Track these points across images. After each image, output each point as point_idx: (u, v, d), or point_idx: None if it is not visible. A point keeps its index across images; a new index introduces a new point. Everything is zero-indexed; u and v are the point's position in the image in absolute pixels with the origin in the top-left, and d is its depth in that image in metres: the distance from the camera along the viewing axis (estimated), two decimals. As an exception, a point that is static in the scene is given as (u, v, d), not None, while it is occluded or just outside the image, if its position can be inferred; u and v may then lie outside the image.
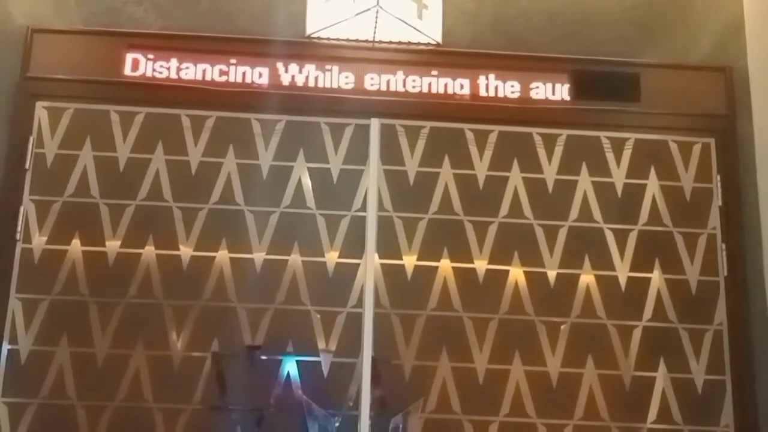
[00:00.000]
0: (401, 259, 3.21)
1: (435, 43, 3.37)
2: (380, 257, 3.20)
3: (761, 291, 3.21)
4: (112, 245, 3.14)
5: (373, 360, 3.14)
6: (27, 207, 3.09)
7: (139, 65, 3.31)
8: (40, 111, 3.23)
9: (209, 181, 3.23)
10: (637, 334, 3.20)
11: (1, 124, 3.18)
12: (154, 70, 3.31)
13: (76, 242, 3.11)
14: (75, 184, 3.17)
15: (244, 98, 3.31)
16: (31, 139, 3.16)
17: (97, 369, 3.01)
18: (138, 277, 3.13)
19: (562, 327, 3.19)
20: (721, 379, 3.18)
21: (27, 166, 3.16)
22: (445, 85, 3.38)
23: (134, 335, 3.07)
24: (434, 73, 3.38)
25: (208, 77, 3.32)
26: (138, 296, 3.11)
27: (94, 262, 3.09)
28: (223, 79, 3.33)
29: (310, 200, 3.26)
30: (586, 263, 3.25)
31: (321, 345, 3.12)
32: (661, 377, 3.17)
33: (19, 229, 3.09)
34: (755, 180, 3.29)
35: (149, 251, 3.15)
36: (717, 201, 3.33)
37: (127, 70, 3.30)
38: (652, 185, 3.34)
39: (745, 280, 3.26)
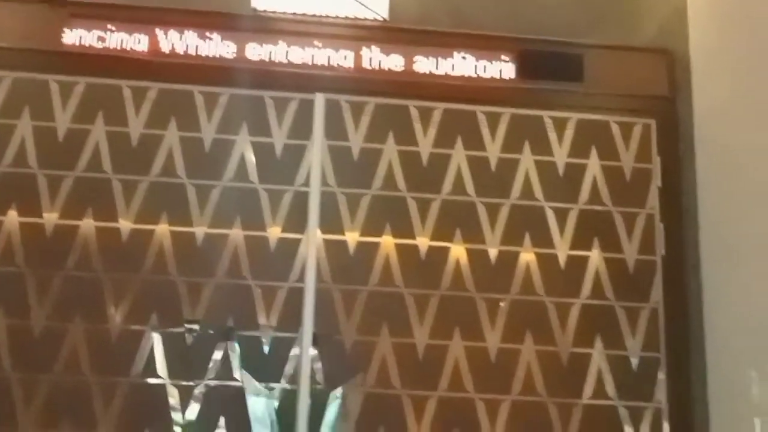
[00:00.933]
0: (344, 234, 3.26)
1: (382, 19, 3.41)
2: (323, 233, 3.22)
3: (697, 270, 3.31)
4: (50, 217, 3.14)
5: (314, 335, 3.27)
6: (-39, 178, 3.03)
7: (80, 35, 3.29)
8: (-23, 80, 3.15)
9: (150, 154, 3.24)
10: (575, 311, 3.29)
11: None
12: (94, 40, 3.30)
13: (12, 213, 3.11)
14: (12, 155, 3.16)
15: (188, 70, 3.32)
16: (-33, 107, 3.10)
17: (34, 341, 3.01)
18: (76, 250, 3.14)
19: (501, 304, 3.28)
20: (655, 356, 3.28)
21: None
22: (391, 62, 3.42)
23: (72, 308, 3.07)
24: (380, 49, 3.42)
25: (150, 48, 3.32)
26: (76, 269, 3.11)
27: (32, 233, 3.09)
28: (167, 50, 3.33)
29: (253, 174, 3.28)
30: (527, 241, 3.33)
31: (261, 320, 3.16)
32: (597, 354, 3.26)
33: (-48, 200, 3.03)
34: (693, 161, 3.38)
35: (88, 223, 3.15)
36: (656, 182, 3.43)
37: (67, 40, 3.28)
38: (593, 165, 3.43)
39: (681, 259, 3.36)
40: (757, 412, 2.94)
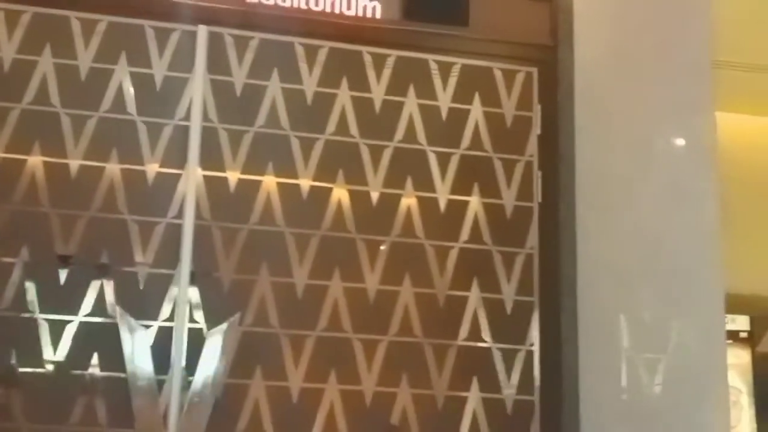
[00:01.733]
0: (224, 171, 3.28)
1: (270, -48, 3.32)
2: (203, 169, 3.25)
3: (572, 218, 3.46)
4: None
5: (192, 273, 3.33)
6: None
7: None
8: None
9: (22, 81, 3.17)
10: (453, 254, 3.41)
11: None
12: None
13: None
14: None
15: (65, -5, 3.15)
16: None
17: None
18: None
19: (381, 246, 3.39)
20: (529, 300, 3.46)
21: None
22: (278, -3, 3.33)
23: None
24: (267, -17, 3.33)
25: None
26: None
27: None
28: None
29: (132, 106, 3.26)
30: (408, 184, 3.43)
31: (138, 256, 3.16)
32: (473, 297, 3.42)
33: None
34: (573, 111, 3.51)
35: None
36: (536, 129, 3.57)
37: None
38: (476, 111, 3.54)
39: (557, 206, 3.51)
40: (624, 356, 3.16)
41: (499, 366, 3.40)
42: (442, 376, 3.35)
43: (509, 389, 3.40)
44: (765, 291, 3.02)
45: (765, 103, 3.17)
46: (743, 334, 2.95)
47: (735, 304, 2.83)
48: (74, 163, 3.19)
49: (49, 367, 3.06)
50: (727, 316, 2.83)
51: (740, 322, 2.96)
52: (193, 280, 3.20)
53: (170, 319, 3.16)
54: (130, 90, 3.28)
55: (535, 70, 3.61)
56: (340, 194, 3.40)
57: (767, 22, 3.03)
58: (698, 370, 2.79)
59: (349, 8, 3.51)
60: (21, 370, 3.04)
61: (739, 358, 2.99)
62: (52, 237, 3.13)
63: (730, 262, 2.82)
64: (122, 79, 3.29)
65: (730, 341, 2.85)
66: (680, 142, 3.02)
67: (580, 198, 3.45)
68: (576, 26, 3.54)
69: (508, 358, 3.42)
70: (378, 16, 3.51)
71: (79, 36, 3.28)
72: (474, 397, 3.37)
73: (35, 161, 3.15)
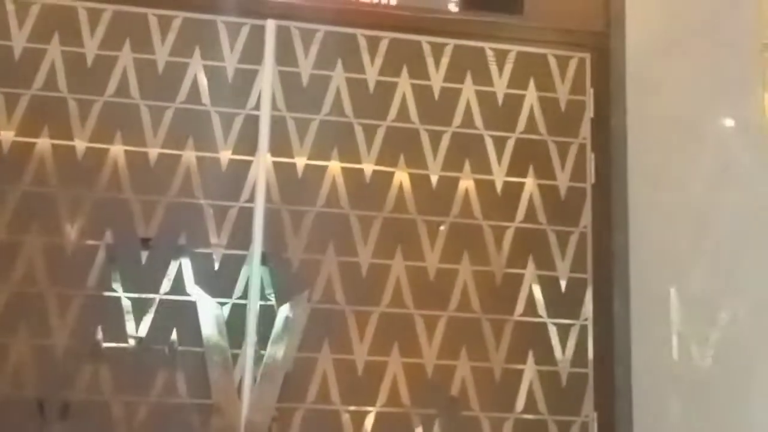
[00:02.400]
0: (293, 158, 3.33)
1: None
2: (273, 155, 3.30)
3: (624, 197, 3.44)
4: (6, 135, 3.18)
5: (263, 253, 3.36)
6: None
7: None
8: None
9: (104, 74, 3.25)
10: (509, 234, 3.43)
11: None
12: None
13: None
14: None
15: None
16: None
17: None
18: (32, 167, 3.18)
19: (441, 227, 3.42)
20: (583, 277, 3.46)
21: None
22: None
23: (28, 223, 3.15)
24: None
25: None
26: (32, 185, 3.18)
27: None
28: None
29: (206, 97, 3.33)
30: (467, 167, 3.45)
31: (213, 238, 3.25)
32: (529, 274, 3.43)
33: None
34: (624, 96, 3.47)
35: (44, 142, 3.19)
36: (589, 113, 3.55)
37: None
38: (531, 96, 3.53)
39: (609, 187, 3.50)
40: (675, 329, 3.11)
41: (554, 340, 3.41)
42: (499, 350, 3.37)
43: (564, 362, 3.40)
44: None
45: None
46: None
47: None
48: (153, 152, 3.26)
49: (132, 343, 3.14)
50: None
51: None
52: (264, 260, 3.25)
53: (243, 296, 3.22)
54: (203, 82, 3.34)
55: (588, 56, 3.60)
56: (401, 177, 3.42)
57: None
58: (747, 343, 2.70)
59: (409, 1, 3.53)
60: (106, 345, 3.13)
61: None
62: (134, 221, 3.21)
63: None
64: (197, 71, 3.35)
65: None
66: (730, 122, 2.94)
67: (632, 178, 3.43)
68: (627, 12, 3.52)
69: (563, 332, 3.42)
70: (437, 6, 3.54)
71: (157, 32, 3.35)
72: (530, 370, 3.38)
73: (117, 150, 3.25)
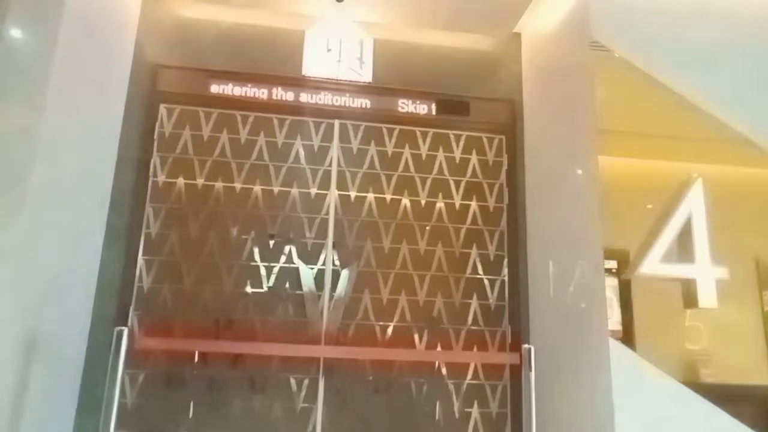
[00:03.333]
0: (348, 191, 3.33)
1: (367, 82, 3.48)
2: (338, 190, 3.29)
3: (524, 211, 3.40)
4: (199, 180, 3.21)
5: (333, 242, 3.27)
6: None
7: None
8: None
9: (250, 149, 3.31)
10: (463, 231, 3.40)
11: None
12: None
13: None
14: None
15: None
16: None
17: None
18: (213, 197, 3.19)
19: (427, 228, 3.32)
20: (502, 254, 3.44)
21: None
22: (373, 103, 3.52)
23: (210, 227, 3.15)
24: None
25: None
26: (213, 206, 3.17)
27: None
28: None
29: (303, 160, 3.36)
30: (440, 196, 3.42)
31: (307, 233, 3.24)
32: (473, 253, 3.39)
33: None
34: (523, 156, 3.48)
35: (219, 185, 3.22)
36: (504, 166, 3.52)
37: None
38: (473, 159, 3.56)
39: (515, 206, 3.45)
40: (551, 282, 3.06)
41: (487, 287, 3.40)
42: (458, 292, 3.35)
43: (492, 299, 3.40)
44: (625, 246, 2.85)
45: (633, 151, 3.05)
46: (614, 269, 2.81)
47: (609, 253, 2.67)
48: (276, 189, 3.31)
49: (265, 289, 3.17)
50: (606, 260, 2.64)
51: (612, 263, 2.83)
52: (334, 246, 3.28)
53: (323, 264, 3.25)
54: (302, 152, 3.38)
55: (504, 137, 3.58)
56: (405, 202, 3.41)
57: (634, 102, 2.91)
58: (589, 288, 2.65)
59: (414, 107, 3.53)
60: (251, 290, 3.17)
61: (612, 282, 2.84)
62: (266, 225, 3.26)
63: (606, 230, 2.67)
64: (298, 147, 3.38)
65: (607, 274, 2.66)
66: (579, 172, 2.87)
67: (528, 202, 3.39)
68: (525, 113, 3.52)
69: (492, 283, 3.41)
70: (422, 112, 3.53)
71: (277, 126, 3.39)
72: (474, 303, 3.37)
73: (257, 189, 3.31)
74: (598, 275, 2.57)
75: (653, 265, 2.64)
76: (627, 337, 2.80)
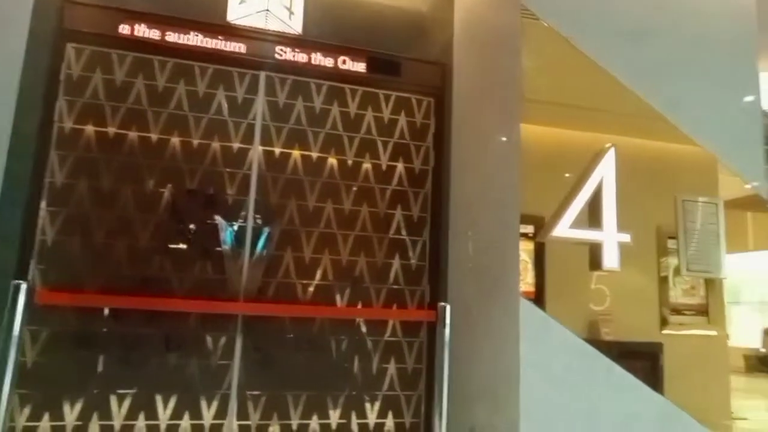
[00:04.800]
0: (273, 147, 3.23)
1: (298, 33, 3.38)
2: (262, 145, 3.22)
3: (448, 175, 3.42)
4: (111, 129, 3.04)
5: (255, 199, 3.22)
6: None
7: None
8: None
9: (168, 97, 3.15)
10: (388, 192, 3.44)
11: None
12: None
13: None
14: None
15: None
16: None
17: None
18: (126, 148, 3.04)
19: (353, 188, 3.33)
20: (424, 215, 3.51)
21: None
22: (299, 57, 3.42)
23: (124, 179, 3.01)
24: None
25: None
26: (127, 157, 3.05)
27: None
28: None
29: (226, 112, 3.21)
30: (367, 156, 3.43)
31: (228, 190, 3.18)
32: (398, 214, 3.44)
33: None
34: (450, 121, 3.49)
35: (133, 134, 3.07)
36: (432, 130, 3.57)
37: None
38: (402, 120, 3.56)
39: (440, 169, 3.52)
40: (469, 244, 3.17)
41: (409, 247, 3.48)
42: (381, 252, 3.42)
43: (413, 258, 3.49)
44: (539, 213, 2.97)
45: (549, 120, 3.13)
46: (530, 234, 2.92)
47: (527, 219, 2.78)
48: (195, 142, 3.21)
49: (183, 245, 3.11)
50: (524, 225, 2.74)
51: (529, 228, 2.94)
52: (256, 202, 3.23)
53: (245, 220, 3.20)
54: (225, 104, 3.27)
55: (432, 100, 3.61)
56: (333, 161, 3.38)
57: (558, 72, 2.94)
58: (504, 250, 2.73)
59: (344, 64, 3.48)
60: (167, 246, 3.10)
61: (528, 246, 2.95)
62: (184, 179, 3.15)
63: (524, 198, 2.75)
64: (221, 98, 3.28)
65: (524, 238, 2.76)
66: (504, 138, 2.91)
67: (453, 165, 3.45)
68: (455, 78, 3.53)
69: (413, 243, 3.49)
70: (353, 69, 3.50)
71: (199, 75, 3.27)
72: (396, 262, 3.46)
73: (175, 140, 3.16)
74: (514, 238, 2.67)
75: (564, 229, 2.76)
76: (539, 297, 2.94)
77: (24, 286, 2.10)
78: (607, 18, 2.84)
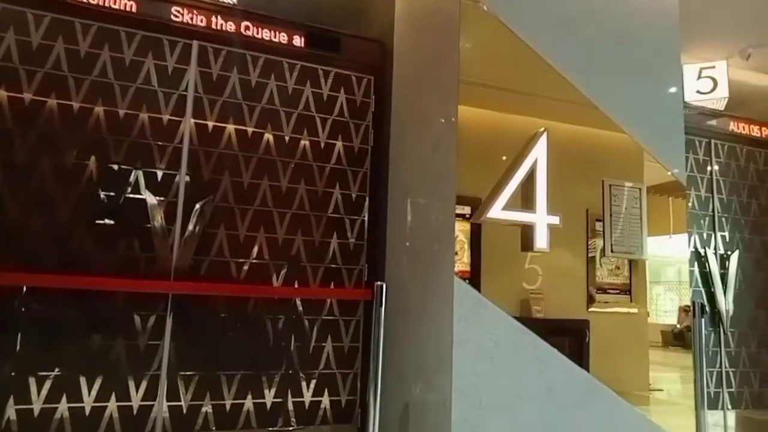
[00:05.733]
0: (206, 120, 3.16)
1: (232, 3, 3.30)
2: (194, 119, 3.16)
3: (387, 152, 3.43)
4: (27, 96, 2.88)
5: (187, 173, 3.16)
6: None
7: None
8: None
9: (91, 64, 3.01)
10: (327, 170, 3.43)
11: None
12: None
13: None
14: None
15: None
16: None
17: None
18: (44, 117, 2.90)
19: (291, 164, 3.32)
20: (363, 194, 3.55)
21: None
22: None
23: (42, 151, 2.88)
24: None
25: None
26: (44, 128, 2.91)
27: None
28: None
29: (155, 82, 3.11)
30: (305, 133, 3.41)
31: (158, 163, 3.11)
32: (336, 192, 3.43)
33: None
34: (390, 99, 3.51)
35: (52, 102, 2.89)
36: (371, 108, 3.57)
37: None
38: (341, 97, 3.57)
39: (380, 148, 3.53)
40: (408, 214, 3.18)
41: (347, 227, 3.50)
42: (318, 231, 3.43)
43: (351, 238, 3.52)
44: (476, 194, 3.02)
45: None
46: (467, 215, 2.98)
47: (464, 200, 2.83)
48: (122, 112, 3.10)
49: (108, 221, 3.02)
50: (461, 206, 2.79)
51: (466, 209, 2.99)
52: (187, 177, 3.16)
53: (175, 196, 3.14)
54: (154, 73, 3.18)
55: (372, 78, 3.62)
56: (269, 136, 3.35)
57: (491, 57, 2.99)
58: (441, 230, 2.74)
59: (282, 37, 3.45)
60: (91, 222, 3.00)
61: (465, 227, 3.00)
62: (109, 151, 3.08)
63: (463, 177, 2.77)
64: (150, 66, 3.18)
65: (461, 219, 2.81)
66: (442, 120, 2.94)
67: (392, 144, 3.47)
68: (395, 56, 3.53)
69: (352, 222, 3.52)
70: (291, 42, 3.47)
71: (126, 41, 3.18)
72: (334, 242, 3.49)
73: (99, 110, 3.05)
74: (450, 219, 2.73)
75: (498, 211, 2.85)
76: (474, 277, 3.00)
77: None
78: (541, 4, 2.90)
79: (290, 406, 3.15)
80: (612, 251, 3.11)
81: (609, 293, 3.52)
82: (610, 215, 3.08)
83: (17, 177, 2.78)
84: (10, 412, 2.61)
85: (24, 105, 2.83)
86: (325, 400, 3.22)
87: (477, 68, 2.86)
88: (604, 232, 3.08)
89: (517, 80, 3.07)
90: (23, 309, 2.72)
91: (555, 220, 2.90)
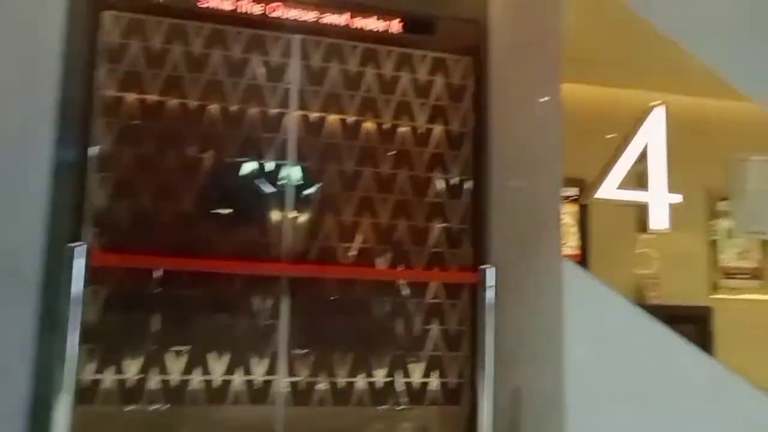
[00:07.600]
0: (310, 111, 3.41)
1: None
2: (299, 110, 3.34)
3: (488, 137, 3.48)
4: (151, 97, 3.18)
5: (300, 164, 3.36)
6: None
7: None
8: None
9: (204, 62, 3.25)
10: (426, 154, 3.50)
11: None
12: None
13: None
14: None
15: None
16: None
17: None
18: (168, 113, 3.18)
19: (391, 153, 3.43)
20: (466, 178, 3.58)
21: None
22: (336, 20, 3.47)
23: (168, 144, 3.17)
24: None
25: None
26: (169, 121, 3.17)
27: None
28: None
29: (262, 78, 3.33)
30: (405, 118, 3.49)
31: (267, 154, 3.32)
32: (437, 177, 3.51)
33: None
34: (489, 80, 3.52)
35: (172, 101, 3.20)
36: (471, 90, 3.59)
37: None
38: (440, 80, 3.61)
39: (481, 131, 3.55)
40: (512, 215, 3.18)
41: (449, 211, 3.55)
42: (420, 215, 3.50)
43: (454, 222, 3.56)
44: (585, 176, 3.01)
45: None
46: (575, 197, 2.93)
47: (571, 181, 2.85)
48: (233, 107, 3.30)
49: (227, 210, 3.23)
50: (568, 188, 2.81)
51: (573, 191, 2.94)
52: (295, 167, 3.36)
53: (284, 185, 3.34)
54: (261, 69, 3.35)
55: (471, 59, 3.60)
56: (369, 125, 3.44)
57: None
58: (547, 212, 2.76)
59: (377, 26, 3.52)
60: (211, 211, 3.23)
61: (572, 209, 2.96)
62: (225, 145, 3.26)
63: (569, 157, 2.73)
64: (256, 64, 3.36)
65: (568, 201, 2.85)
66: (544, 98, 2.88)
67: (493, 125, 3.44)
68: (490, 37, 3.52)
69: (455, 208, 3.56)
70: (387, 29, 3.51)
71: (236, 39, 3.34)
72: (436, 226, 3.54)
73: (214, 106, 3.27)
74: (556, 200, 2.72)
75: (609, 190, 2.78)
76: (582, 261, 3.07)
77: (79, 249, 2.26)
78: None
79: (400, 387, 3.22)
80: (742, 232, 2.92)
81: (736, 278, 3.34)
82: (739, 192, 2.90)
83: (148, 170, 3.09)
84: (153, 382, 2.89)
85: (148, 104, 3.15)
86: (434, 382, 3.30)
87: (581, 42, 2.80)
88: (732, 211, 2.90)
89: (624, 53, 3.03)
90: (156, 291, 3.01)
91: (676, 198, 2.77)
